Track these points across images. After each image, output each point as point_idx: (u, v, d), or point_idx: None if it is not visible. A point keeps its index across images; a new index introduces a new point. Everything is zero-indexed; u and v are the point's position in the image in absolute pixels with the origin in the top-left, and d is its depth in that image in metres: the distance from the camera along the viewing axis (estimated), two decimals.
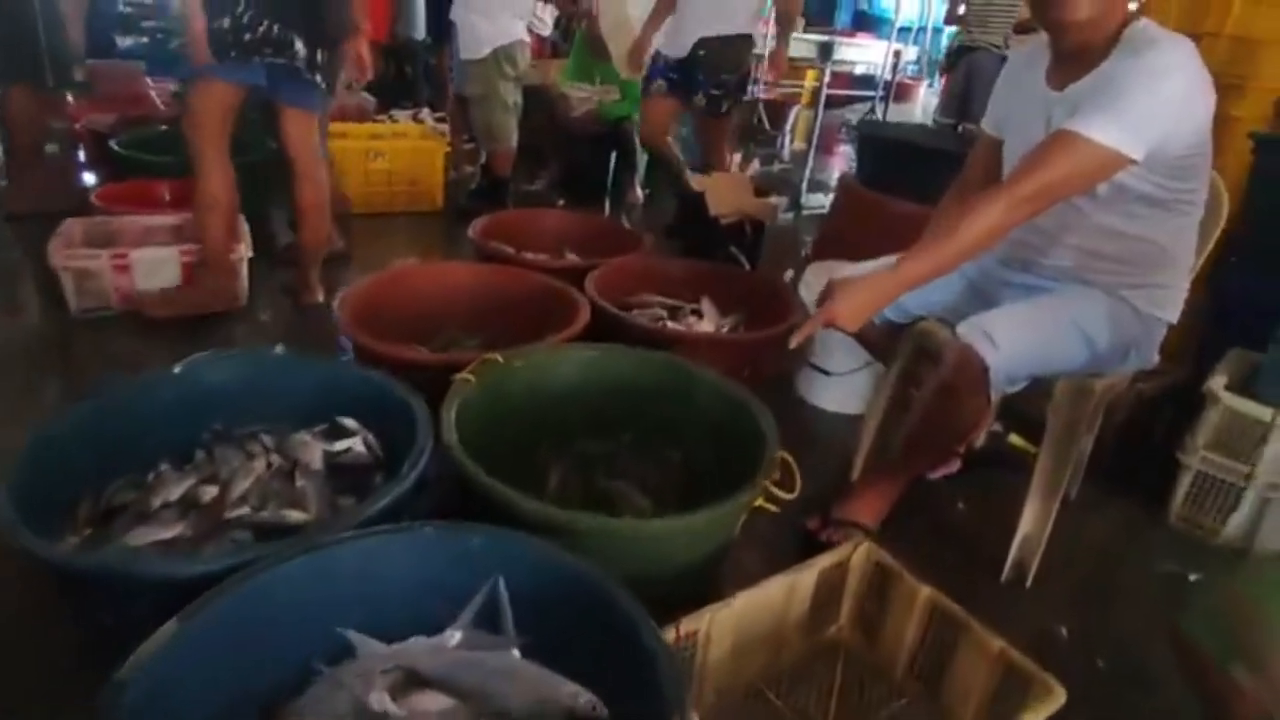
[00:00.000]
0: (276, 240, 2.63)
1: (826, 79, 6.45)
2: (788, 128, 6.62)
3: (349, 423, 1.29)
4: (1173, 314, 1.33)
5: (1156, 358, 1.37)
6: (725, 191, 2.43)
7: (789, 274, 2.33)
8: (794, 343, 1.24)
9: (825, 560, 1.14)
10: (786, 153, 6.51)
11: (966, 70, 4.21)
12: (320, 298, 2.23)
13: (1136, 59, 1.12)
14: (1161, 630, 1.26)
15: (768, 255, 2.56)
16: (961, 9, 4.45)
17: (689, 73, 2.74)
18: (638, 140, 3.68)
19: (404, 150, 3.32)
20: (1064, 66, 1.26)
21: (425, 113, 4.00)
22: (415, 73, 4.83)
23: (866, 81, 7.60)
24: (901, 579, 1.12)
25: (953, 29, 9.14)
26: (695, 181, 2.52)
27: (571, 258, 2.35)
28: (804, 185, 5.73)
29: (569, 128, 3.66)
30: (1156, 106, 1.10)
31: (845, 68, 7.16)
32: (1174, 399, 1.79)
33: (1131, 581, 1.53)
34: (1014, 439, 1.84)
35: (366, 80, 2.21)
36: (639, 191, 3.88)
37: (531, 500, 1.01)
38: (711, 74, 2.71)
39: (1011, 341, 1.19)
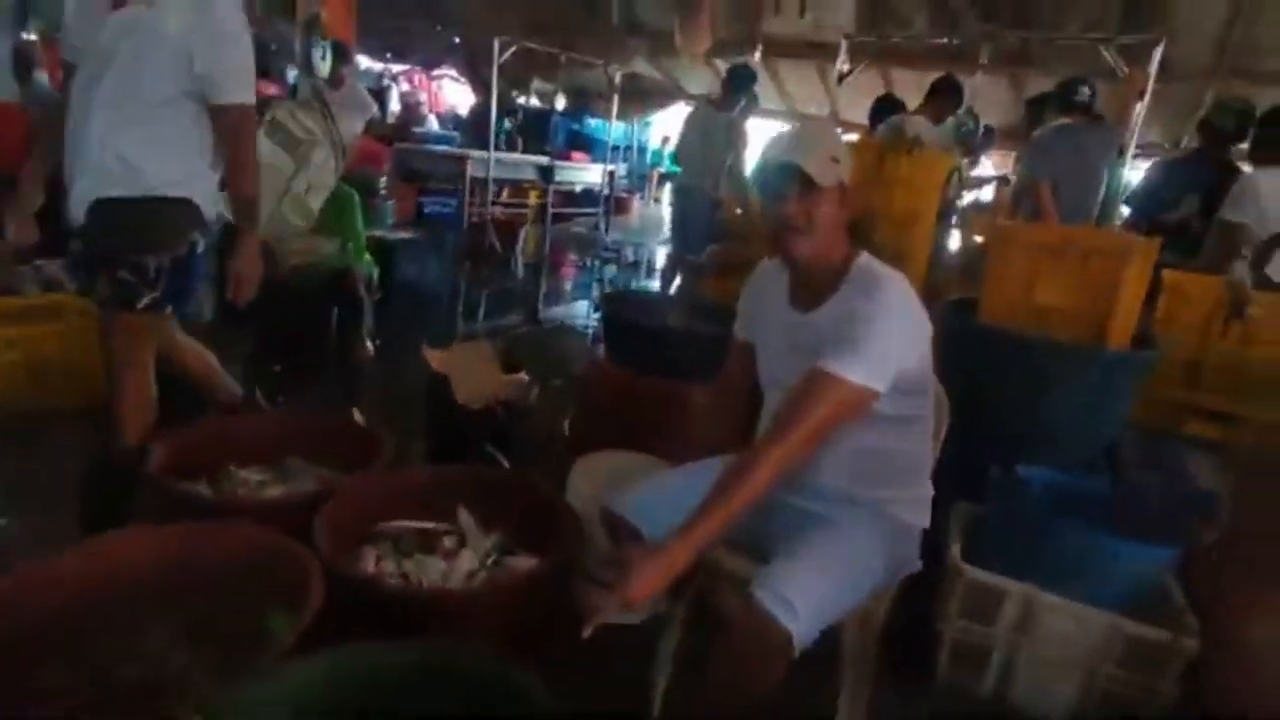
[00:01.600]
0: None
1: (550, 198, 6.70)
2: (519, 247, 6.67)
3: None
4: (926, 519, 1.42)
5: (919, 563, 1.43)
6: (469, 372, 2.24)
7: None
8: (587, 632, 1.10)
9: None
10: (520, 270, 6.54)
11: (681, 208, 4.66)
12: None
13: (869, 299, 1.23)
14: None
15: (522, 441, 2.39)
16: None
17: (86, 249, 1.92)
18: (364, 293, 3.36)
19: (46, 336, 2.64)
20: (802, 290, 1.37)
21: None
22: None
23: (588, 198, 8.03)
24: None
25: (659, 147, 10.16)
26: (435, 360, 2.29)
27: (295, 479, 1.97)
28: (541, 300, 5.78)
29: (278, 284, 3.21)
30: (892, 344, 1.21)
31: (566, 186, 7.49)
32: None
33: None
34: None
35: None
36: (369, 345, 3.51)
37: None
38: (112, 252, 1.83)
39: (810, 605, 1.14)
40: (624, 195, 8.74)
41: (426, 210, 6.46)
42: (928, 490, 1.43)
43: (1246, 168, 3.03)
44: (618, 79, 6.90)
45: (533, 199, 7.55)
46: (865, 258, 1.33)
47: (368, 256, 3.51)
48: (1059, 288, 1.76)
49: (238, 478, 2.03)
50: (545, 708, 1.06)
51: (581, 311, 5.69)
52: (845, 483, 1.34)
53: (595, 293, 6.22)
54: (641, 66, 7.82)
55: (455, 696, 1.16)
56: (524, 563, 1.69)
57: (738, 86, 4.39)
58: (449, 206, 6.51)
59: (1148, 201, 3.41)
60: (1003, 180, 5.71)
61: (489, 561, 1.69)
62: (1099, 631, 1.57)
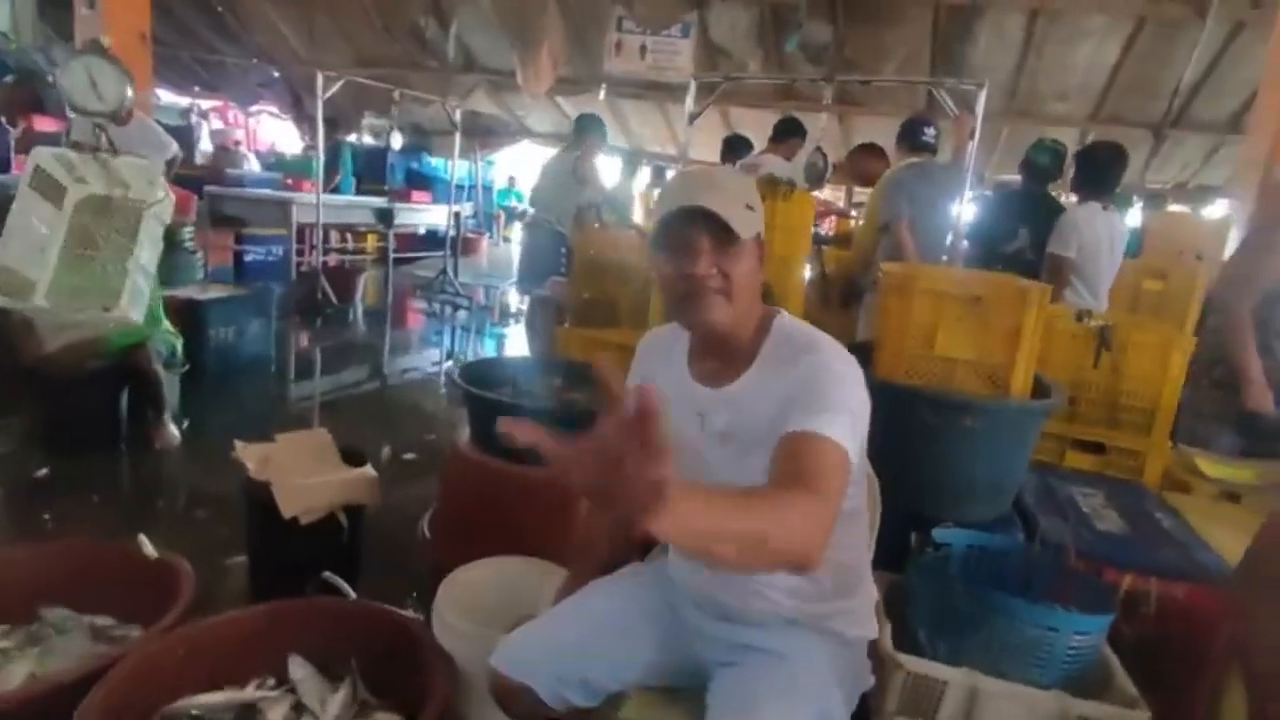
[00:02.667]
0: None
1: (391, 242, 6.21)
2: (358, 296, 6.08)
3: None
4: (873, 629, 1.21)
5: (872, 678, 1.22)
6: (299, 472, 1.81)
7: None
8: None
9: None
10: (361, 322, 5.95)
11: (530, 243, 4.55)
12: None
13: (817, 357, 1.01)
14: None
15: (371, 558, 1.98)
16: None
17: None
18: (161, 368, 2.78)
19: None
20: (710, 362, 1.12)
21: None
22: None
23: (432, 240, 7.56)
24: None
25: (505, 187, 9.89)
26: (252, 461, 1.84)
27: (55, 641, 1.47)
28: (386, 353, 5.26)
29: (39, 369, 2.58)
30: (857, 407, 0.99)
31: (408, 229, 7.00)
32: None
33: None
34: None
35: None
36: (171, 430, 2.92)
37: None
38: None
39: None
40: (471, 236, 8.36)
41: (247, 260, 5.76)
42: (872, 594, 1.23)
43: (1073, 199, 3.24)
44: (458, 115, 6.55)
45: (370, 243, 7.00)
46: (784, 316, 1.11)
47: (166, 324, 2.93)
48: (962, 336, 1.67)
49: None
50: None
51: (432, 362, 5.20)
52: (784, 600, 1.10)
53: (447, 342, 5.77)
54: (482, 103, 7.52)
55: None
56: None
57: (581, 130, 4.34)
58: (274, 255, 5.84)
59: (986, 235, 3.58)
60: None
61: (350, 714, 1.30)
62: (1047, 715, 1.44)
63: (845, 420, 0.94)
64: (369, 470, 1.89)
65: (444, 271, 6.78)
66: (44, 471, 2.52)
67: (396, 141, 6.74)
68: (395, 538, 2.14)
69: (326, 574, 1.56)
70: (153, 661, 1.33)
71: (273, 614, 1.50)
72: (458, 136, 6.68)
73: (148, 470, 2.76)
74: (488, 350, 5.55)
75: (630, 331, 3.21)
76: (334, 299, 5.56)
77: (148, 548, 1.65)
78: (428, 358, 5.35)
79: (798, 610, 1.10)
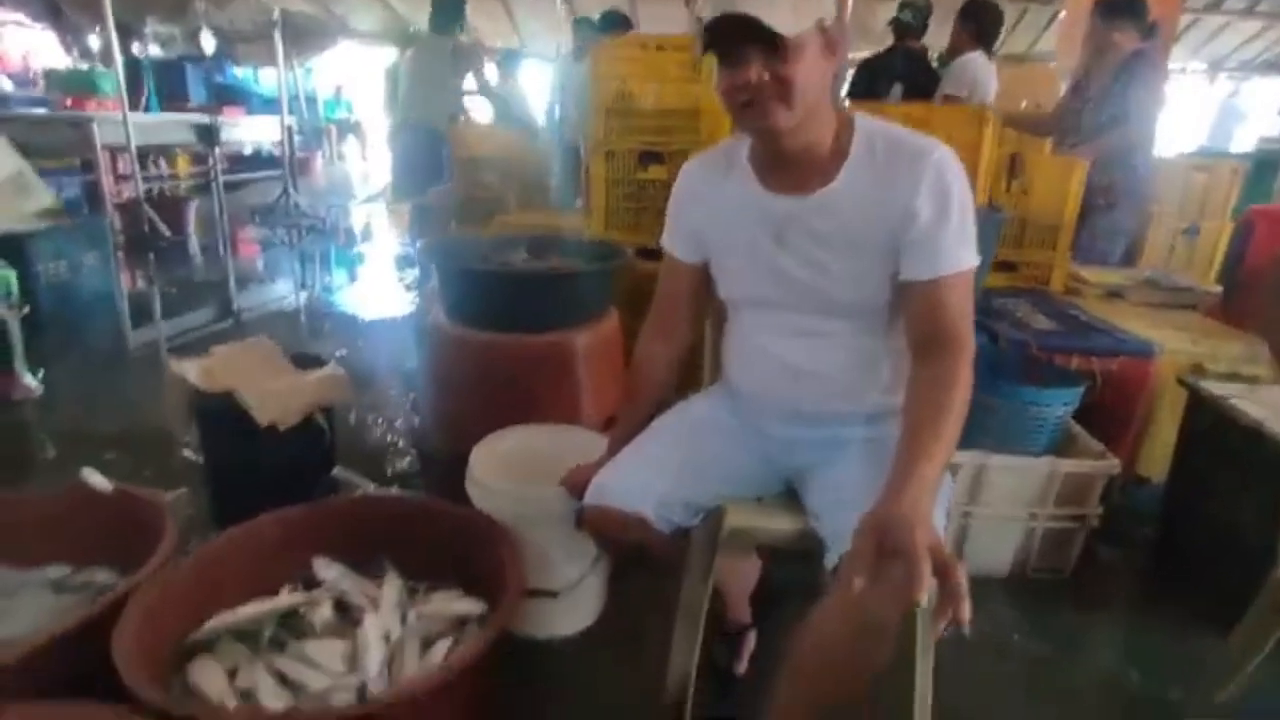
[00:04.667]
0: None
1: (219, 164, 5.45)
2: (190, 228, 5.33)
3: None
4: None
5: None
6: (258, 381, 1.60)
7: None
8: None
9: None
10: (199, 257, 5.23)
11: (405, 148, 4.09)
12: None
13: (933, 164, 0.98)
14: None
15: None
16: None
17: None
18: (3, 310, 2.33)
19: None
20: (789, 171, 1.06)
21: None
22: None
23: (258, 161, 6.73)
24: None
25: (332, 97, 8.88)
26: (203, 375, 1.60)
27: (10, 603, 1.24)
28: (233, 288, 4.69)
29: None
30: (970, 205, 1.01)
31: (234, 149, 6.18)
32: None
33: None
34: None
35: None
36: (27, 380, 2.47)
37: None
38: None
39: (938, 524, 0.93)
40: (303, 155, 7.51)
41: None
42: None
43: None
44: (277, 14, 5.73)
45: (182, 166, 6.09)
46: (862, 115, 1.09)
47: None
48: None
49: None
50: None
51: (284, 294, 4.56)
52: (865, 396, 1.11)
53: (298, 270, 5.20)
54: (295, 3, 6.62)
55: None
56: (460, 602, 1.25)
57: (449, 10, 3.92)
58: (72, 189, 4.96)
59: (865, 93, 3.74)
60: None
61: (410, 618, 1.21)
62: (1040, 478, 1.63)
63: (971, 233, 0.98)
64: (338, 368, 1.71)
65: (285, 193, 6.09)
66: None
67: (209, 45, 5.80)
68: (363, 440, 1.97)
69: (338, 469, 1.41)
70: (168, 590, 1.17)
71: (284, 521, 1.35)
72: (278, 36, 5.88)
73: (15, 424, 2.33)
74: (342, 280, 5.00)
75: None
76: (165, 231, 4.84)
77: (98, 481, 1.41)
78: (279, 290, 4.72)
79: (877, 403, 1.13)
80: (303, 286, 4.75)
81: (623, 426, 1.26)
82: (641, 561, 1.22)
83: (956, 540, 1.69)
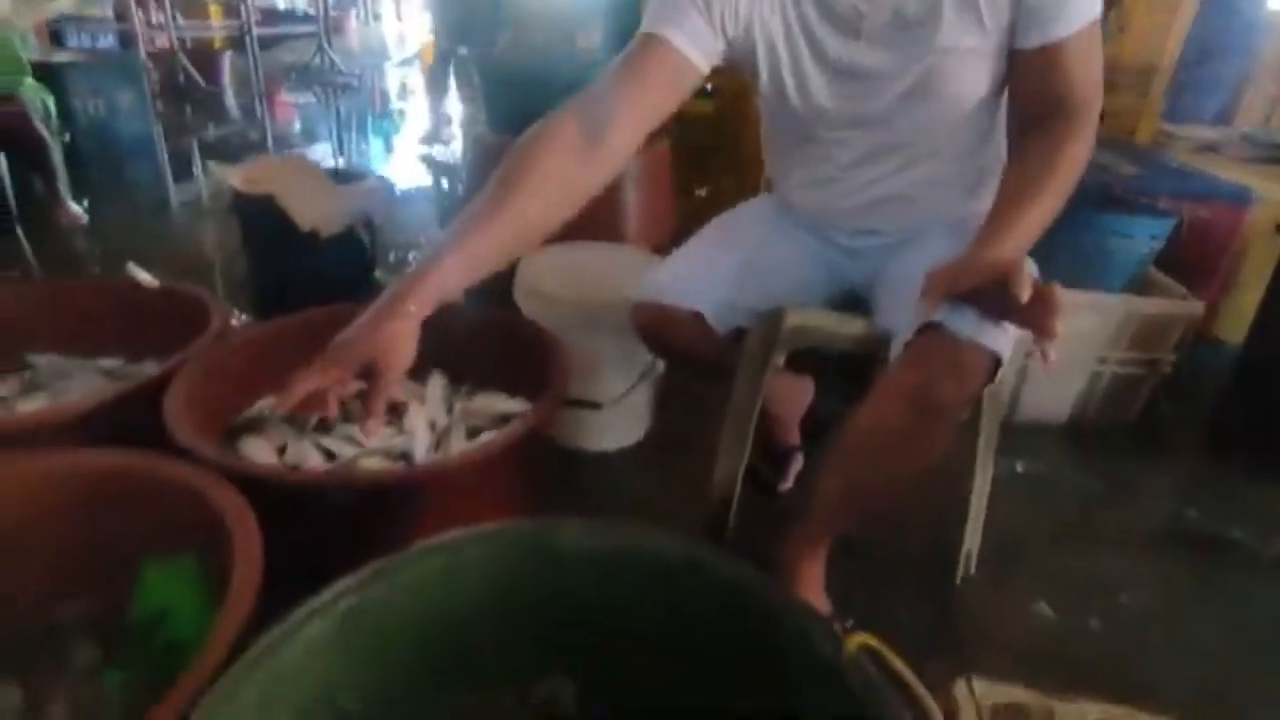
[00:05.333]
0: None
1: (254, 15, 5.24)
2: (224, 80, 5.21)
3: None
4: None
5: None
6: (300, 185, 1.55)
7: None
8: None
9: None
10: (235, 111, 5.13)
11: None
12: None
13: None
14: None
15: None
16: None
17: None
18: (44, 129, 2.29)
19: None
20: None
21: None
22: None
23: (293, 18, 6.49)
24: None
25: None
26: (239, 178, 1.56)
27: (59, 384, 1.26)
28: (271, 146, 4.61)
29: None
30: None
31: (266, 1, 5.94)
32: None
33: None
34: None
35: None
36: (73, 207, 2.47)
37: None
38: None
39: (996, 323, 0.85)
40: (336, 14, 7.20)
41: (68, 43, 4.73)
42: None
43: None
44: None
45: (215, 17, 5.87)
46: None
47: (29, 80, 2.37)
48: None
49: None
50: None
51: (322, 159, 4.35)
52: (971, 204, 1.01)
53: (333, 129, 5.06)
54: None
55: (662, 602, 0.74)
56: (505, 402, 1.23)
57: None
58: (106, 37, 4.84)
59: None
60: None
61: (455, 410, 1.20)
62: (1116, 318, 1.53)
63: None
64: (379, 181, 1.65)
65: (320, 50, 5.88)
66: None
67: None
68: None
69: (379, 272, 1.38)
70: (218, 366, 1.17)
71: (332, 314, 1.32)
72: None
73: (62, 250, 2.34)
74: (376, 146, 4.82)
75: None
76: (201, 81, 4.73)
77: (143, 276, 1.40)
78: (315, 154, 4.62)
79: (968, 211, 1.04)
80: (339, 150, 4.66)
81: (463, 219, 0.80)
82: (692, 368, 1.18)
83: (1014, 386, 1.62)
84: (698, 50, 0.87)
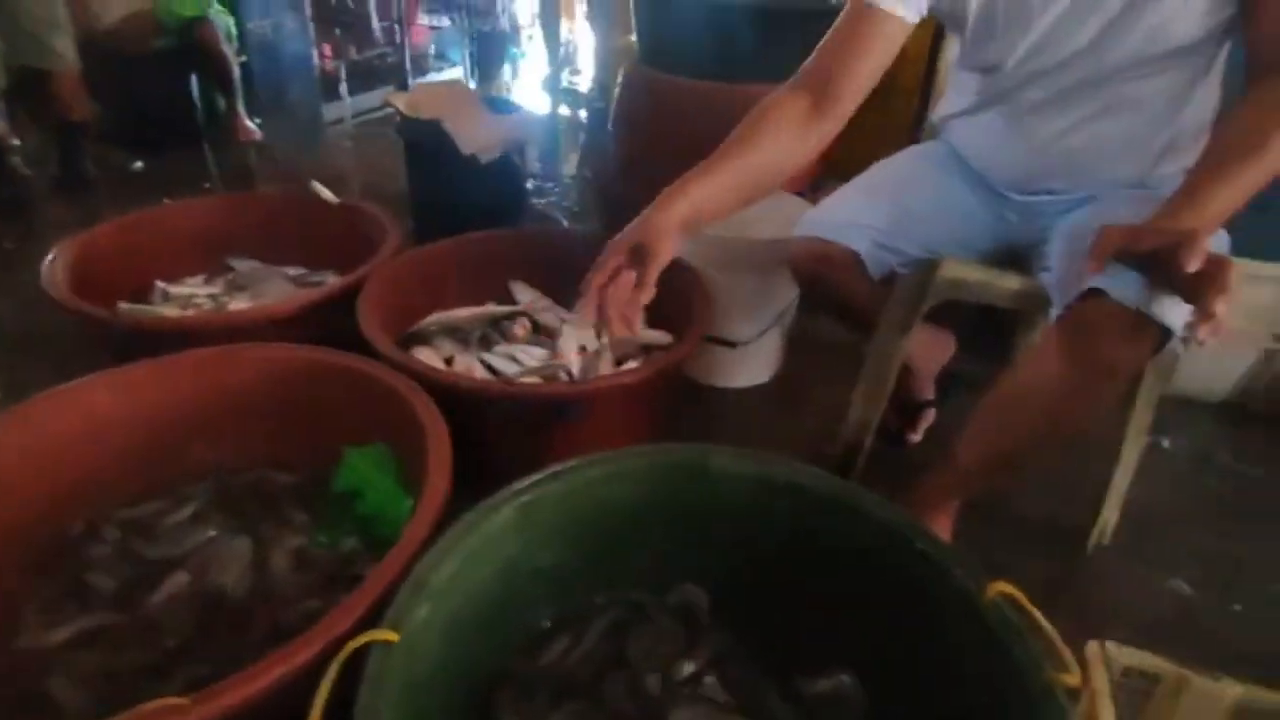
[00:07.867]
0: None
1: None
2: (372, 4, 5.37)
3: None
4: None
5: None
6: (460, 112, 1.64)
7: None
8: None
9: None
10: (379, 32, 5.30)
11: None
12: None
13: None
14: None
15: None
16: None
17: None
18: (228, 49, 2.49)
19: None
20: None
21: None
22: None
23: None
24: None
25: None
26: (405, 104, 1.66)
27: (257, 288, 1.42)
28: (408, 71, 4.75)
29: (107, 46, 2.29)
30: None
31: None
32: None
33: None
34: None
35: None
36: (250, 124, 2.69)
37: None
38: None
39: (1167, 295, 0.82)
40: None
41: None
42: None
43: None
44: None
45: None
46: None
47: (216, 3, 2.56)
48: None
49: (176, 296, 1.44)
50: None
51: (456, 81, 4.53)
52: (1145, 163, 0.96)
53: (467, 52, 5.13)
54: None
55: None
56: (650, 332, 1.29)
57: None
58: None
59: None
60: None
61: (602, 338, 1.28)
62: None
63: None
64: (532, 111, 1.71)
65: None
66: (139, 165, 2.35)
67: None
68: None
69: (539, 202, 1.45)
70: (392, 279, 1.28)
71: (489, 240, 1.43)
72: None
73: (241, 164, 2.57)
74: (508, 72, 4.86)
75: None
76: (350, 3, 4.92)
77: (325, 194, 1.54)
78: (451, 78, 4.75)
79: (1132, 176, 0.98)
80: (473, 76, 4.76)
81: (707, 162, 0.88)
82: (839, 309, 1.20)
83: (1169, 363, 1.53)
84: (909, 7, 0.88)
